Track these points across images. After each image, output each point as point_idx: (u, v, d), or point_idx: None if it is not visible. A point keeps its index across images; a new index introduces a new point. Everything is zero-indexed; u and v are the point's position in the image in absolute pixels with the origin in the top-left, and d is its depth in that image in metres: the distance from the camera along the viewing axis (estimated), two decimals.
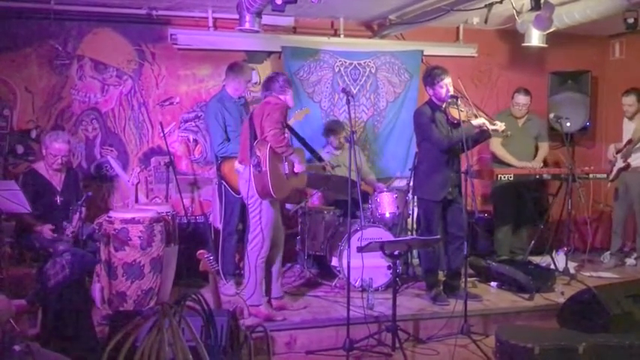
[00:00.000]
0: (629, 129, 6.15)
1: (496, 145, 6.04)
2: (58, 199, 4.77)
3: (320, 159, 4.91)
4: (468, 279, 4.83)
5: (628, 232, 6.40)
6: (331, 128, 5.88)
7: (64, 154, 4.79)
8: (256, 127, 4.32)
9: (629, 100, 6.10)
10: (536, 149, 6.22)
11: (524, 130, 6.10)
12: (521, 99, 6.04)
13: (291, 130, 4.76)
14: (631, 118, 6.15)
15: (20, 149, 5.43)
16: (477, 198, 5.44)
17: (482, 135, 4.79)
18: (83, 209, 4.53)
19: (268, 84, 4.46)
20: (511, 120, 5.95)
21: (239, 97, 5.12)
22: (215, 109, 5.00)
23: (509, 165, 5.94)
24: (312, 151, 4.86)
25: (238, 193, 4.73)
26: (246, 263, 4.41)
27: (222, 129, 4.95)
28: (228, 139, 4.95)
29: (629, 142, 6.00)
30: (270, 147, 4.21)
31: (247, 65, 5.36)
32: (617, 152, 6.14)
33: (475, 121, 4.70)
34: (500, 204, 6.22)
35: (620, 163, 6.07)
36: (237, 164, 4.66)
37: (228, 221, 5.06)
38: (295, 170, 4.47)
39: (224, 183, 5.00)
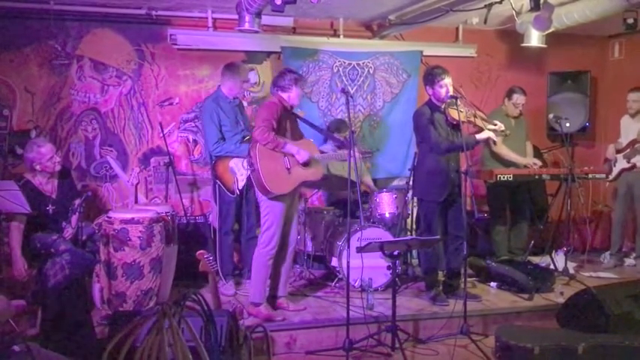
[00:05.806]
0: (630, 128, 6.08)
1: (500, 146, 5.79)
2: (50, 208, 4.63)
3: (322, 130, 4.92)
4: (468, 279, 4.83)
5: (627, 232, 6.40)
6: (337, 127, 5.77)
7: (54, 152, 4.66)
8: None
9: (636, 97, 6.03)
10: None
11: (517, 129, 5.97)
12: (522, 99, 5.91)
13: (298, 117, 4.68)
14: (634, 116, 6.08)
15: (20, 149, 5.41)
16: (475, 198, 5.42)
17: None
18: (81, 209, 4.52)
19: (275, 80, 4.49)
20: (506, 120, 5.76)
21: (234, 98, 5.09)
22: (210, 109, 4.98)
23: (511, 164, 5.83)
24: (319, 130, 4.87)
25: (233, 192, 4.72)
26: (253, 260, 4.41)
27: (217, 129, 4.93)
28: (224, 139, 4.95)
29: (634, 142, 5.96)
30: (260, 144, 4.21)
31: (244, 65, 5.28)
32: (618, 152, 6.11)
33: (480, 136, 4.72)
34: (495, 204, 6.11)
35: (623, 164, 6.04)
36: (231, 163, 4.65)
37: (224, 221, 5.04)
38: (299, 161, 4.36)
39: (219, 183, 5.00)
